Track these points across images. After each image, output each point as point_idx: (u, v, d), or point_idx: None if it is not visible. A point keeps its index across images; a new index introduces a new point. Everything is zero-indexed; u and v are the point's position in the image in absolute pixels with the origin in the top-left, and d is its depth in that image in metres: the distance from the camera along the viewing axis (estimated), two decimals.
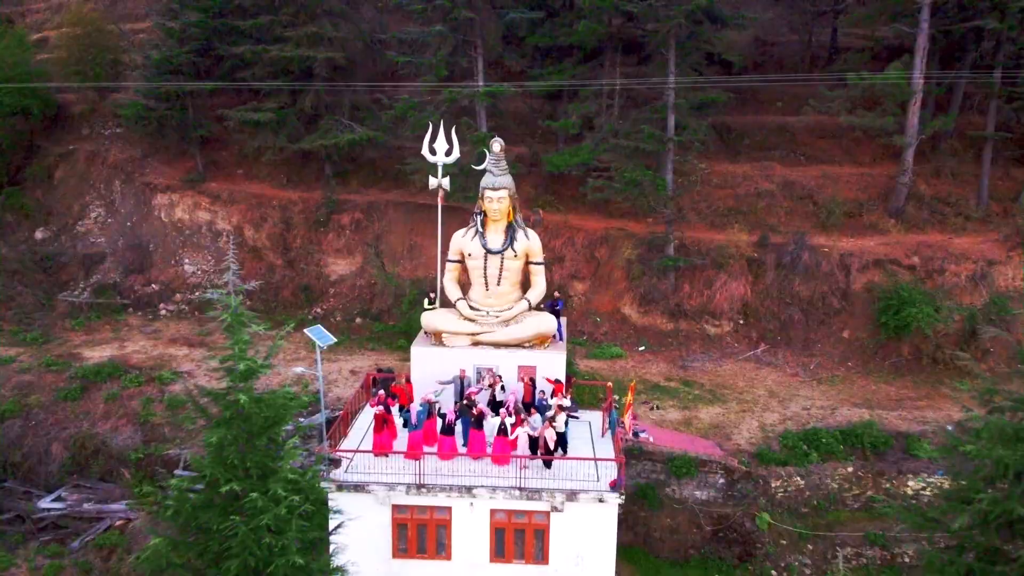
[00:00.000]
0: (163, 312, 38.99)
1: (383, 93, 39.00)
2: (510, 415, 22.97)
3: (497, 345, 25.90)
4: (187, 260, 41.23)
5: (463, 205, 33.93)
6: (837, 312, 34.39)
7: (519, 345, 25.90)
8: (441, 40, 36.44)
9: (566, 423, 23.60)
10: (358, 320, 37.07)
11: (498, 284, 26.13)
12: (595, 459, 22.34)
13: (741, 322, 34.76)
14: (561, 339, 27.09)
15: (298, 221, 39.70)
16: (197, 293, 39.76)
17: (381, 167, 42.01)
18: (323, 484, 21.86)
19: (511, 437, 22.45)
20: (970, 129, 39.19)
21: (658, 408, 28.22)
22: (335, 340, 22.06)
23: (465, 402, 23.53)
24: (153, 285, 40.32)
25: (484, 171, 26.32)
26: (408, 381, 25.42)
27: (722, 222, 37.14)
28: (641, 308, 35.48)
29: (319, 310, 38.11)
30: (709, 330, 34.67)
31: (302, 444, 26.57)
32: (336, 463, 22.46)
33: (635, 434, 25.80)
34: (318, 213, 39.52)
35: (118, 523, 27.79)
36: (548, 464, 22.37)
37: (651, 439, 25.71)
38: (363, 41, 41.02)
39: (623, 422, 23.45)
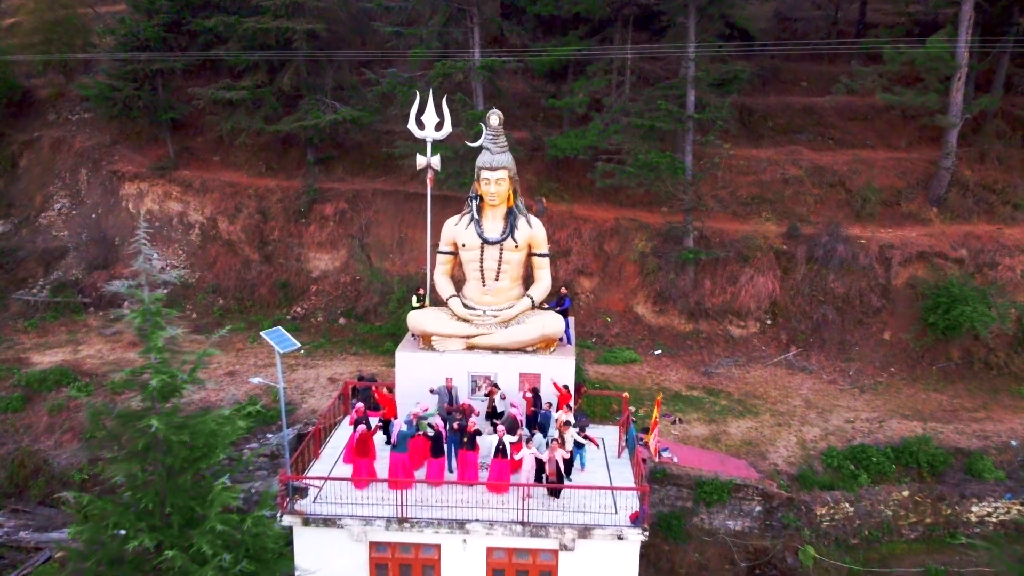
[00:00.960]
0: (127, 312, 35.19)
1: (369, 69, 35.27)
2: (510, 432, 19.30)
3: (495, 349, 22.26)
4: (156, 254, 37.50)
5: (457, 194, 30.29)
6: (876, 311, 30.69)
7: (521, 349, 22.26)
8: (433, 8, 32.75)
9: (579, 443, 19.95)
10: (341, 320, 33.38)
11: (496, 279, 22.51)
12: (612, 488, 18.66)
13: (769, 322, 31.07)
14: (569, 342, 23.41)
15: (276, 212, 36.00)
16: (165, 291, 35.99)
17: (369, 153, 38.34)
18: (286, 519, 18.32)
19: (514, 459, 18.79)
20: (1017, 109, 35.55)
21: (681, 422, 24.52)
22: (297, 345, 18.51)
23: (456, 416, 19.83)
24: (116, 282, 36.54)
25: (480, 149, 22.69)
26: (390, 391, 21.73)
27: (745, 211, 33.46)
28: (656, 307, 31.79)
29: (299, 309, 34.44)
30: (733, 331, 30.97)
31: (266, 466, 22.94)
32: (302, 492, 18.80)
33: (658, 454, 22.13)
34: (299, 203, 35.84)
35: (59, 555, 24.12)
36: (556, 493, 18.70)
37: (675, 459, 22.02)
38: (347, 11, 37.28)
39: (647, 442, 19.75)
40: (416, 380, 22.20)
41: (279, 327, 18.87)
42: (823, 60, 41.43)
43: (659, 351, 30.16)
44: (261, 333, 18.62)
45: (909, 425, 25.26)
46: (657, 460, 19.96)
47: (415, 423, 19.49)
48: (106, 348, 31.29)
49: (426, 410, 20.12)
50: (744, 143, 36.04)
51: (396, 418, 20.51)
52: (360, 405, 20.05)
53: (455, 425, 19.02)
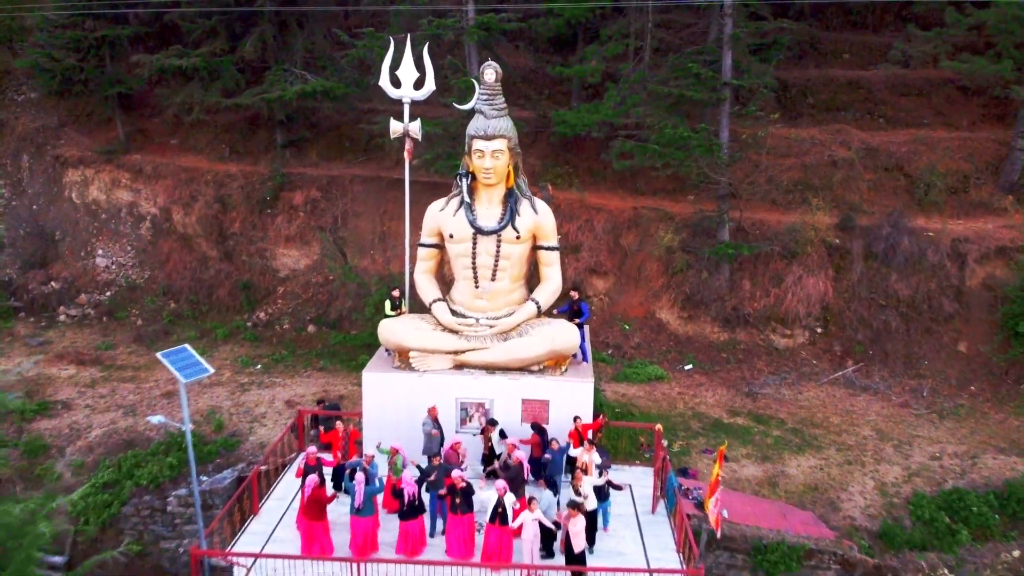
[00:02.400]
0: (62, 317, 30.20)
1: (344, 30, 30.10)
2: (514, 488, 14.28)
3: (491, 368, 17.36)
4: (100, 251, 32.50)
5: (447, 180, 25.16)
6: (949, 317, 25.62)
7: (523, 368, 17.32)
8: None
9: (604, 494, 14.96)
10: (311, 328, 28.28)
11: (493, 278, 17.59)
12: (649, 571, 13.61)
13: (819, 331, 25.99)
14: (585, 359, 18.40)
15: (237, 200, 30.88)
16: (108, 293, 31.00)
17: (347, 135, 33.28)
18: None
19: (513, 525, 13.76)
20: None
21: (725, 460, 19.36)
22: (209, 371, 13.52)
23: (438, 465, 14.80)
24: (53, 283, 31.54)
25: (472, 114, 17.72)
26: (353, 427, 16.66)
27: (787, 200, 28.38)
28: (684, 312, 26.71)
29: (262, 315, 29.34)
30: (777, 341, 25.89)
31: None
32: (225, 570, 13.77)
33: (698, 504, 17.09)
34: (263, 190, 30.73)
35: None
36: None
37: (725, 513, 16.91)
38: None
39: (705, 506, 14.72)
40: (388, 408, 17.23)
41: (185, 346, 13.78)
42: (867, 30, 36.47)
43: (690, 366, 25.07)
44: (158, 355, 13.54)
45: (1008, 461, 20.19)
46: (719, 534, 14.84)
47: (367, 465, 14.52)
48: (29, 362, 26.18)
49: (396, 454, 15.14)
50: (781, 121, 30.94)
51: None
52: (312, 449, 15.00)
53: (442, 491, 13.93)
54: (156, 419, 14.71)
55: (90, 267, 32.10)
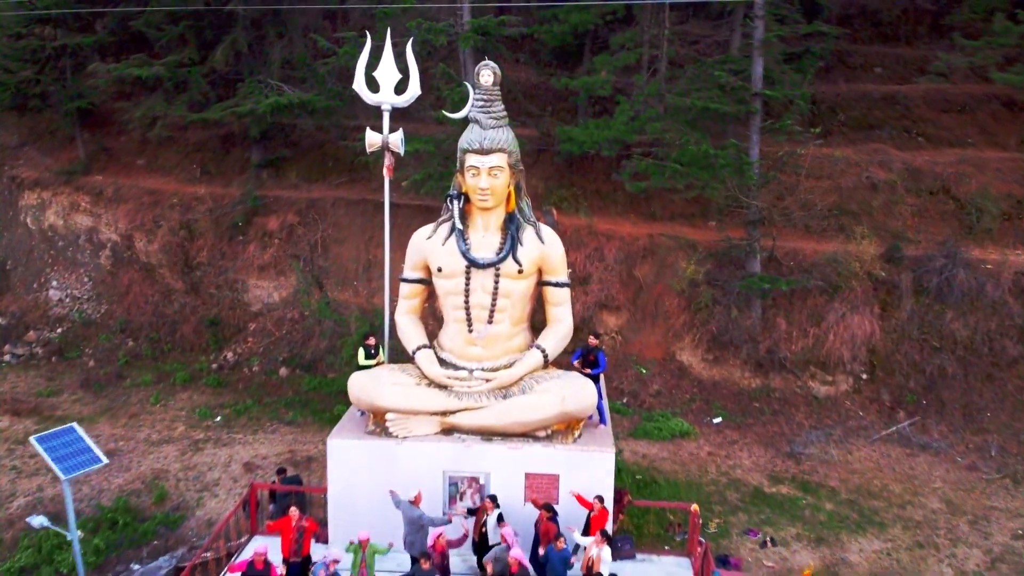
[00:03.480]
0: (7, 357, 26.81)
1: (323, 36, 27.05)
2: None
3: (487, 433, 14.03)
4: (55, 282, 29.26)
5: (439, 203, 22.04)
6: (1012, 362, 22.34)
7: (527, 434, 13.99)
8: None
9: None
10: (283, 371, 24.93)
11: (490, 320, 14.41)
12: None
13: (864, 377, 22.69)
14: (603, 422, 15.08)
15: (204, 226, 27.68)
16: (59, 330, 27.67)
17: (331, 154, 30.18)
18: None
19: None
20: None
21: (773, 544, 16.01)
22: (102, 462, 10.13)
23: (428, 571, 11.46)
24: (0, 318, 28.26)
25: (466, 123, 14.62)
26: (310, 520, 13.16)
27: (822, 227, 25.22)
28: (710, 354, 23.42)
29: (230, 355, 25.99)
30: (818, 389, 22.57)
31: None
32: None
33: None
34: (234, 215, 27.53)
35: None
36: None
37: None
38: None
39: None
40: (360, 485, 13.91)
41: (72, 425, 10.38)
42: (899, 42, 33.60)
43: (719, 419, 21.71)
44: (32, 440, 10.14)
45: None
46: None
47: (332, 570, 11.21)
48: None
49: (367, 545, 11.83)
50: (812, 140, 27.90)
51: (312, 564, 12.14)
52: (261, 548, 11.61)
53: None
54: (36, 521, 11.32)
55: (42, 300, 28.83)
